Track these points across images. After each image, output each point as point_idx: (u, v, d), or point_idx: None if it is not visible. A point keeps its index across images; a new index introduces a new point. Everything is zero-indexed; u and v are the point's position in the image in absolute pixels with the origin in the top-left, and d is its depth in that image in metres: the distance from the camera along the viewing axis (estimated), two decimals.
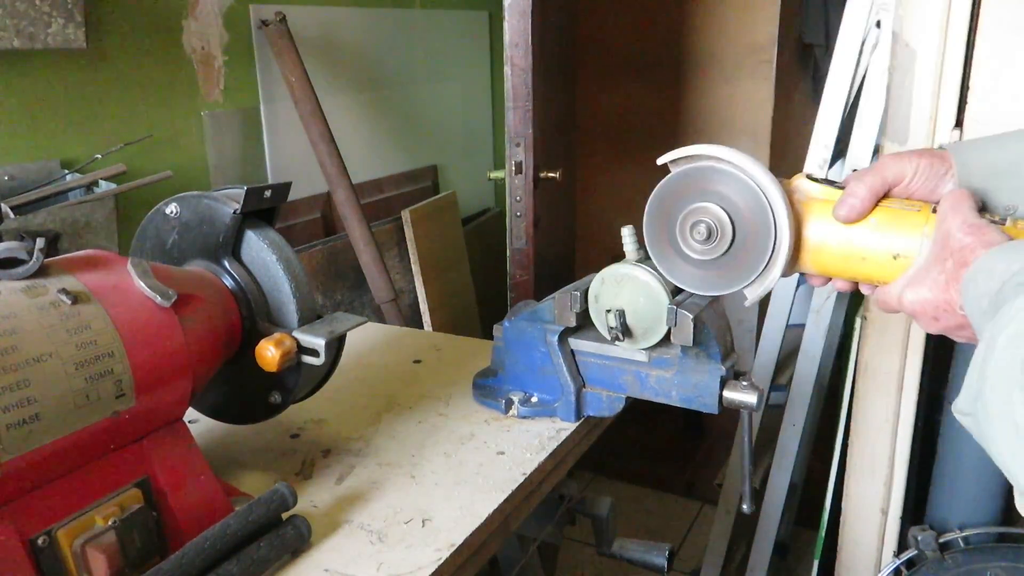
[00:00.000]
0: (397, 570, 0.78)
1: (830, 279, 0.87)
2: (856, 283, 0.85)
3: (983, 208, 0.79)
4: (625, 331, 0.95)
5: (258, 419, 0.97)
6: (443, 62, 2.91)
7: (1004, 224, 0.76)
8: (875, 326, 1.53)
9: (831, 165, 1.71)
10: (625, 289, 0.95)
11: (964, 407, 0.60)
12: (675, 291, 0.95)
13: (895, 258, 0.80)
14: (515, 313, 1.11)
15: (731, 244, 0.84)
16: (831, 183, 0.85)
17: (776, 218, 0.81)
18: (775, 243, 0.82)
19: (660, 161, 0.86)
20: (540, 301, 1.08)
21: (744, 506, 1.03)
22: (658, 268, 0.90)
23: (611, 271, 0.96)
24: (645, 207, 0.88)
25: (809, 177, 0.86)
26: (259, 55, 2.10)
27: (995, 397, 0.54)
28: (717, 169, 0.83)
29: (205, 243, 0.91)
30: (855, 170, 0.85)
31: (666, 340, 0.95)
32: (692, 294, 0.96)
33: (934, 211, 0.79)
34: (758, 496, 2.08)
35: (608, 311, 0.96)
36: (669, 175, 0.86)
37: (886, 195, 0.82)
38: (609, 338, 0.97)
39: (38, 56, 1.59)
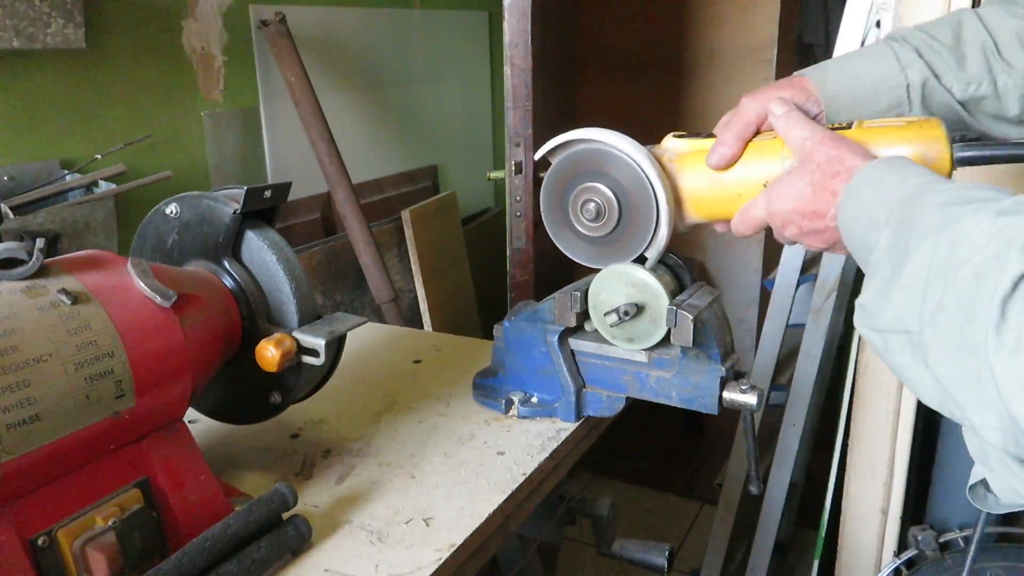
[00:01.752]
0: (397, 570, 0.78)
1: (721, 223, 0.92)
2: None
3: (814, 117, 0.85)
4: (632, 315, 0.96)
5: (258, 419, 0.97)
6: (443, 62, 2.91)
7: (848, 128, 0.82)
8: None
9: None
10: (625, 289, 0.95)
11: (885, 323, 0.60)
12: (675, 291, 0.95)
13: (764, 185, 0.85)
14: (515, 313, 1.11)
15: (619, 217, 0.91)
16: (697, 134, 0.91)
17: (651, 182, 0.88)
18: (656, 206, 0.88)
19: (537, 156, 0.95)
20: (540, 301, 1.08)
21: (752, 488, 1.05)
22: (559, 247, 0.97)
23: (611, 271, 0.96)
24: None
25: (676, 135, 0.92)
26: (259, 55, 2.10)
27: (950, 323, 0.54)
28: (593, 150, 0.90)
29: (205, 243, 0.91)
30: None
31: (666, 340, 0.95)
32: (692, 295, 0.96)
33: None
34: (758, 496, 2.08)
35: (608, 313, 0.96)
36: (555, 161, 0.94)
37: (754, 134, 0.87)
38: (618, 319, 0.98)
39: (38, 56, 1.59)
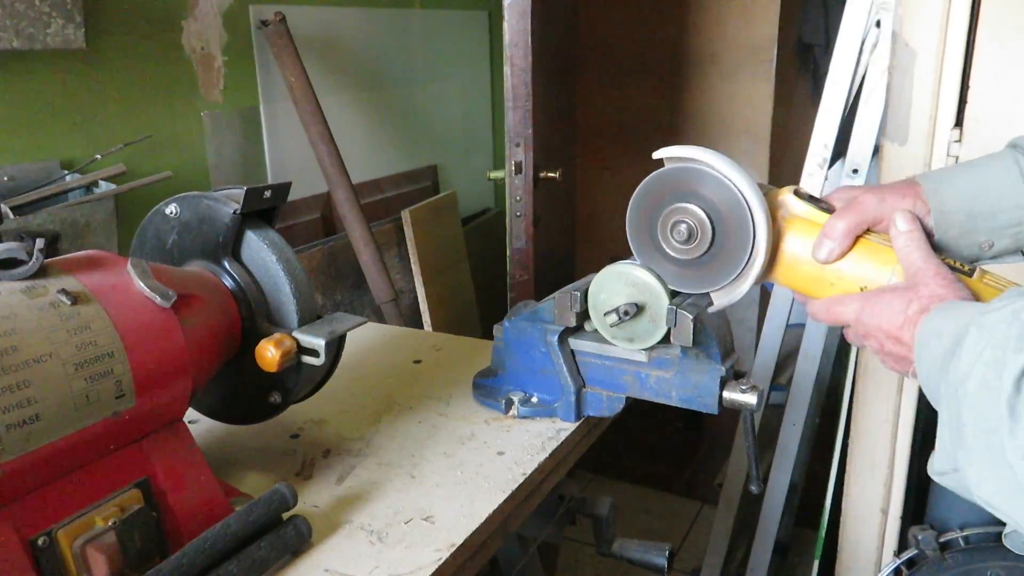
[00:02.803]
0: (397, 570, 0.78)
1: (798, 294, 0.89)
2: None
3: (944, 248, 0.83)
4: (632, 314, 0.95)
5: (258, 419, 0.97)
6: (443, 62, 2.91)
7: (971, 276, 0.79)
8: None
9: (831, 165, 1.71)
10: (625, 289, 0.95)
11: (942, 466, 0.61)
12: (674, 291, 0.95)
13: (862, 289, 0.82)
14: (515, 313, 1.11)
15: (708, 248, 0.86)
16: (816, 201, 0.87)
17: (756, 232, 0.83)
18: (751, 256, 0.84)
19: (656, 155, 0.87)
20: (540, 301, 1.08)
21: (752, 487, 1.04)
22: (637, 258, 0.92)
23: (611, 271, 0.96)
24: (631, 196, 0.90)
25: (797, 193, 0.88)
26: (259, 55, 2.10)
27: (977, 442, 0.54)
28: (705, 173, 0.84)
29: (205, 243, 0.91)
30: (845, 184, 0.88)
31: (666, 340, 0.95)
32: (691, 295, 0.96)
33: None
34: (758, 496, 2.08)
35: (608, 313, 0.96)
36: (659, 170, 0.88)
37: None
38: (618, 319, 0.97)
39: (37, 56, 1.59)
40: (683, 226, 0.86)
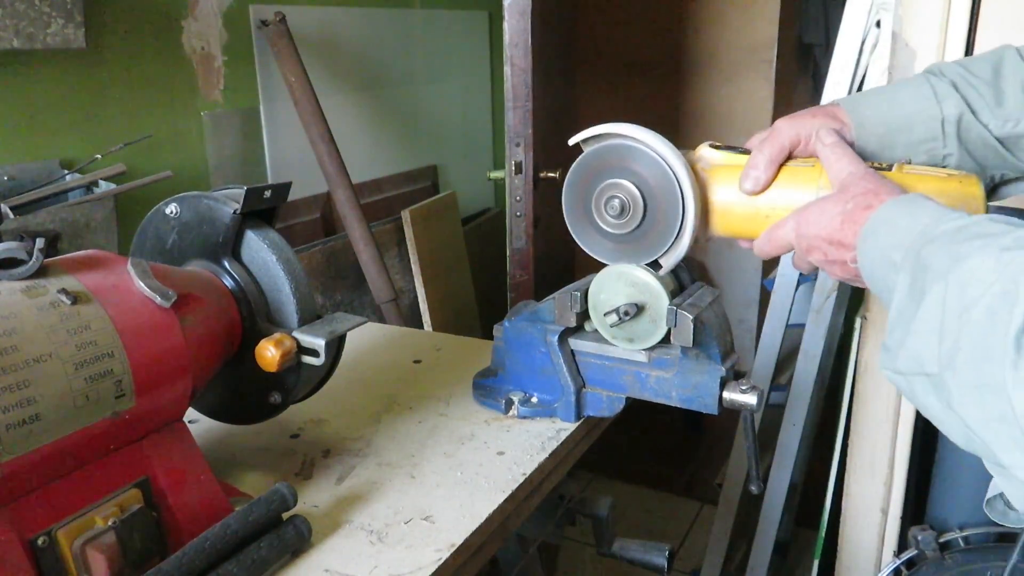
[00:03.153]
0: (397, 570, 0.78)
1: (744, 240, 0.91)
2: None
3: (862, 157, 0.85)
4: (632, 315, 0.95)
5: (258, 419, 0.97)
6: (443, 62, 2.91)
7: (890, 170, 0.82)
8: (875, 326, 1.53)
9: None
10: (625, 289, 0.95)
11: (904, 366, 0.61)
12: (675, 291, 0.95)
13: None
14: (515, 313, 1.11)
15: (643, 218, 0.89)
16: (732, 148, 0.90)
17: (681, 188, 0.86)
18: (683, 212, 0.87)
19: (571, 141, 0.92)
20: (540, 301, 1.08)
21: (752, 487, 1.05)
22: (577, 242, 0.95)
23: (611, 271, 0.96)
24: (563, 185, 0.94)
25: (712, 145, 0.91)
26: (259, 55, 2.10)
27: (969, 367, 0.54)
28: (626, 146, 0.88)
29: (205, 243, 0.91)
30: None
31: (666, 340, 0.95)
32: (691, 294, 0.96)
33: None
34: (758, 496, 2.08)
35: (608, 313, 0.96)
36: (583, 154, 0.92)
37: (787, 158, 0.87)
38: (618, 319, 0.97)
39: (38, 56, 1.59)
40: (616, 200, 0.90)
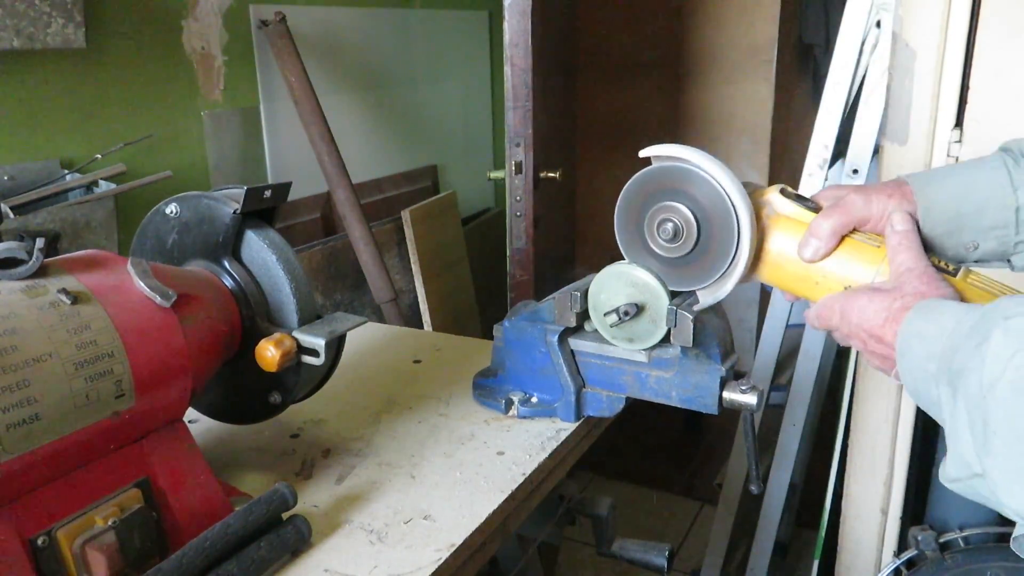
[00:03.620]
0: (397, 570, 0.78)
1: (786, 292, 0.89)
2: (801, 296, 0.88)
3: (928, 247, 0.82)
4: (632, 315, 0.95)
5: (258, 419, 0.97)
6: (443, 62, 2.91)
7: (955, 276, 0.79)
8: None
9: (831, 165, 1.71)
10: (625, 289, 0.95)
11: (958, 473, 0.60)
12: (675, 292, 0.95)
13: (846, 288, 0.82)
14: (515, 313, 1.11)
15: (694, 247, 0.87)
16: (803, 200, 0.87)
17: (740, 231, 0.84)
18: (735, 254, 0.85)
19: (643, 154, 0.89)
20: (540, 301, 1.08)
21: (752, 487, 1.04)
22: (624, 255, 0.93)
23: (611, 271, 0.96)
24: (620, 194, 0.91)
25: (783, 192, 0.88)
26: (259, 55, 2.10)
27: (1008, 448, 0.53)
28: (692, 172, 0.85)
29: (205, 243, 0.91)
30: (834, 184, 0.88)
31: (666, 340, 0.95)
32: (691, 294, 0.96)
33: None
34: (758, 496, 2.08)
35: (608, 313, 0.96)
36: (646, 168, 0.89)
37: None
38: (618, 319, 0.97)
39: (38, 56, 1.59)
40: (669, 224, 0.87)
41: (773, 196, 0.88)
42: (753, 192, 0.87)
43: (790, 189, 0.89)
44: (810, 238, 0.83)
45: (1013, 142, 0.85)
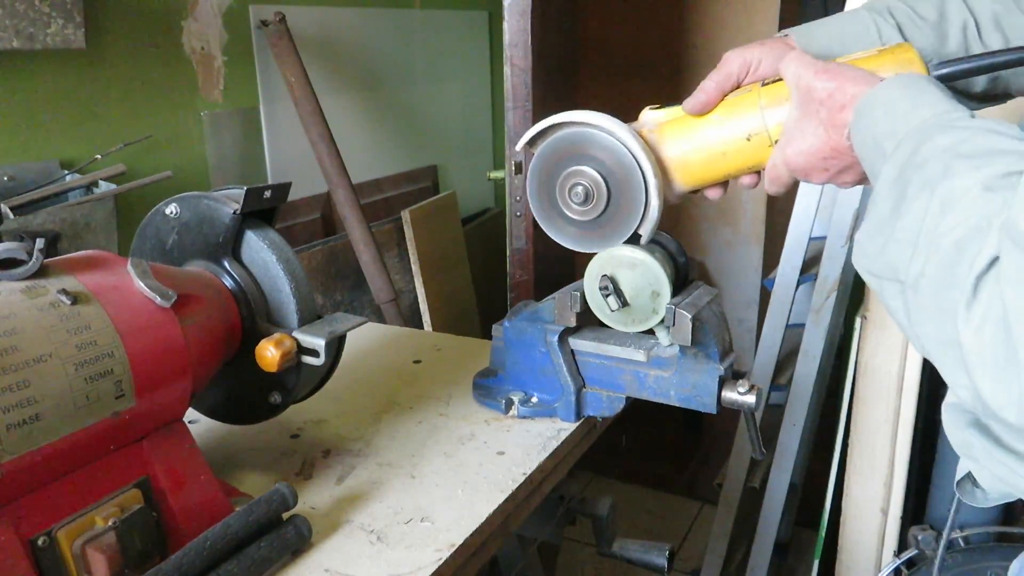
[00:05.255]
0: (397, 570, 0.78)
1: (721, 186, 0.91)
2: (756, 175, 0.89)
3: None
4: (619, 297, 0.96)
5: (258, 419, 0.97)
6: (443, 62, 2.91)
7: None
8: (875, 326, 1.53)
9: None
10: (624, 271, 0.95)
11: (881, 268, 0.60)
12: (675, 291, 0.95)
13: (748, 139, 0.84)
14: (515, 313, 1.11)
15: (608, 198, 0.89)
16: (671, 105, 0.90)
17: (634, 154, 0.86)
18: (644, 178, 0.87)
19: (518, 146, 0.94)
20: (540, 301, 1.08)
21: (755, 455, 1.05)
22: (550, 236, 0.95)
23: (609, 253, 0.96)
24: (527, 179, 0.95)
25: (651, 108, 0.91)
26: (259, 55, 2.10)
27: (931, 291, 0.54)
28: (574, 133, 0.89)
29: (205, 243, 0.91)
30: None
31: (665, 339, 0.95)
32: (691, 294, 0.96)
33: (763, 84, 0.84)
34: (758, 496, 2.08)
35: (603, 288, 0.96)
36: (537, 150, 0.93)
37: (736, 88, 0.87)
38: (604, 301, 0.98)
39: (38, 56, 1.59)
40: (579, 188, 0.90)
41: (645, 115, 0.91)
42: (629, 126, 0.90)
43: (656, 104, 0.92)
44: (695, 94, 0.86)
45: (877, 1, 0.90)
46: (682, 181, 0.89)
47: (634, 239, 0.92)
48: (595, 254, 0.96)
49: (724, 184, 0.90)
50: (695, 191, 0.91)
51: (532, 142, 0.93)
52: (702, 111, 0.86)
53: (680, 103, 0.89)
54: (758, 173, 0.88)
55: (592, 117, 0.88)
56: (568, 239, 0.95)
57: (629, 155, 0.86)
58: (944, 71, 0.78)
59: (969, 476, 0.77)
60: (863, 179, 0.77)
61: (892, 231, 0.60)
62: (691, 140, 0.88)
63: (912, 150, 0.61)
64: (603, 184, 0.89)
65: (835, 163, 0.77)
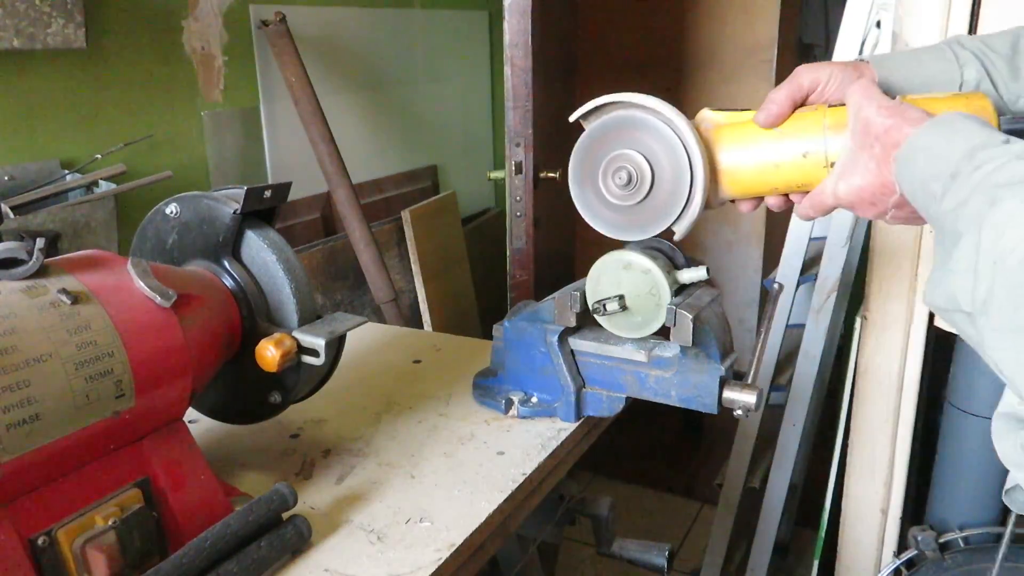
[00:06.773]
0: (397, 570, 0.78)
1: (758, 200, 0.90)
2: (785, 197, 0.88)
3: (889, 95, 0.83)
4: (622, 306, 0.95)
5: (258, 419, 0.97)
6: (443, 62, 2.91)
7: (893, 99, 0.79)
8: (875, 326, 1.53)
9: None
10: (626, 275, 0.95)
11: (948, 303, 0.61)
12: (676, 292, 0.95)
13: (804, 156, 0.83)
14: (515, 313, 1.11)
15: (651, 187, 0.87)
16: (734, 109, 0.89)
17: (687, 147, 0.84)
18: (692, 175, 0.85)
19: (572, 117, 0.91)
20: (540, 301, 1.08)
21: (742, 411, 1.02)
22: (583, 216, 0.93)
23: (613, 256, 0.96)
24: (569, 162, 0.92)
25: (712, 109, 0.90)
26: (259, 55, 2.10)
27: (1005, 314, 0.55)
28: (630, 115, 0.87)
29: (205, 243, 0.91)
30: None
31: (665, 339, 0.95)
32: (691, 294, 0.96)
33: (830, 106, 0.83)
34: (758, 496, 2.08)
35: (603, 300, 0.96)
36: (588, 128, 0.90)
37: (804, 103, 0.86)
38: (604, 311, 0.97)
39: (38, 56, 1.59)
40: (623, 172, 0.88)
41: (705, 113, 0.90)
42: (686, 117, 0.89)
43: (718, 107, 0.90)
44: (766, 104, 0.85)
45: (954, 36, 0.91)
46: (728, 187, 0.88)
47: (666, 234, 0.91)
48: (598, 255, 0.96)
49: (761, 199, 0.89)
50: (736, 200, 0.90)
51: (585, 117, 0.90)
52: (775, 123, 0.85)
53: (739, 108, 0.88)
54: (786, 196, 0.88)
55: (653, 102, 0.86)
56: (598, 220, 0.92)
57: (683, 148, 0.84)
58: (1014, 127, 0.79)
59: (1020, 487, 0.77)
60: (917, 219, 0.76)
61: (947, 266, 0.60)
62: (747, 147, 0.86)
63: (956, 189, 0.62)
64: (649, 172, 0.87)
65: (883, 200, 0.76)
